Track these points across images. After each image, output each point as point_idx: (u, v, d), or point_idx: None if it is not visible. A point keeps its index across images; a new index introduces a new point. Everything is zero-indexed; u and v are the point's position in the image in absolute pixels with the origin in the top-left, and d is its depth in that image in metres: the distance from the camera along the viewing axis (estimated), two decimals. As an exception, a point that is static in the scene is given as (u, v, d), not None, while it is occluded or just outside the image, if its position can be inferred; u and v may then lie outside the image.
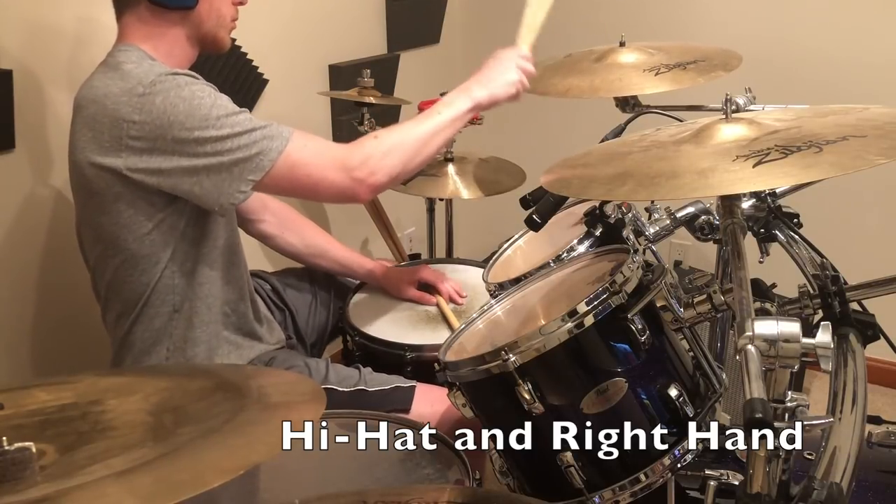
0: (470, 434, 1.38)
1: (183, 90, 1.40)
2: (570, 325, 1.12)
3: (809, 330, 0.86)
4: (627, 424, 1.16)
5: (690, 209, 1.59)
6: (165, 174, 1.42)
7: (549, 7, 1.70)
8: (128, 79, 1.42)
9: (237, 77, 2.28)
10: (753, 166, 0.98)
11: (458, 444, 1.29)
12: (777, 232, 1.45)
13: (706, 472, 1.25)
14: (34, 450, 0.77)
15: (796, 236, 1.42)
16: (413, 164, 1.53)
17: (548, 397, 1.14)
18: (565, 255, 1.53)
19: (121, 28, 1.52)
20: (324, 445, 1.35)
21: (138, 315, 1.56)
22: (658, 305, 1.20)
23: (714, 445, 1.18)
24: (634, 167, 1.12)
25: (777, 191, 1.48)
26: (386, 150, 1.50)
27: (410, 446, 1.33)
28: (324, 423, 1.39)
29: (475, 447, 1.36)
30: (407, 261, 2.49)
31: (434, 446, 1.32)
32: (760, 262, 1.40)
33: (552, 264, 1.50)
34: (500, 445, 1.25)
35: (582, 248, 1.52)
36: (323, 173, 1.47)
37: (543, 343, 1.12)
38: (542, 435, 1.16)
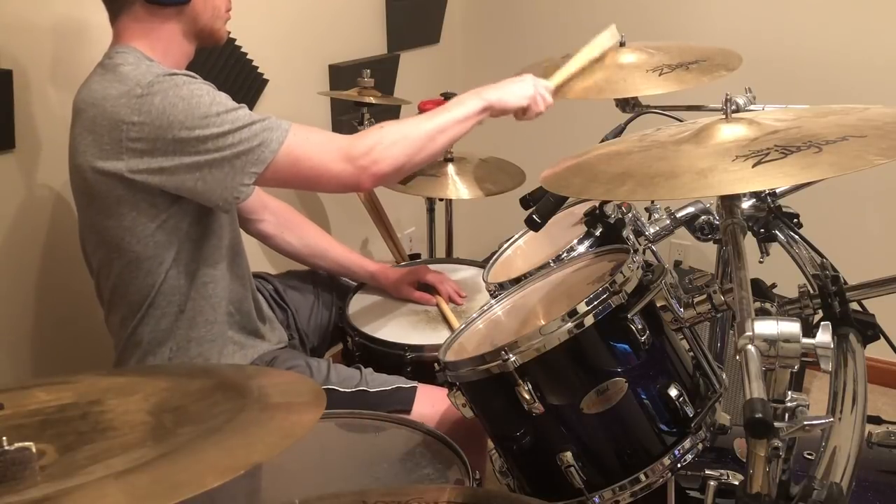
0: (470, 434, 1.39)
1: (181, 89, 1.40)
2: (570, 325, 1.12)
3: (809, 330, 0.86)
4: (627, 424, 1.16)
5: (690, 209, 1.59)
6: (168, 173, 1.42)
7: (591, 59, 1.73)
8: (126, 81, 1.42)
9: (237, 77, 2.28)
10: (753, 166, 0.98)
11: (457, 445, 1.29)
12: (777, 232, 1.45)
13: (706, 472, 1.25)
14: (34, 450, 0.77)
15: (796, 236, 1.42)
16: (418, 157, 1.53)
17: (548, 397, 1.14)
18: (565, 255, 1.53)
19: (116, 30, 1.51)
20: (324, 445, 1.35)
21: (143, 316, 1.56)
22: (658, 305, 1.20)
23: (714, 445, 1.18)
24: (634, 167, 1.12)
25: (777, 191, 1.48)
26: (391, 140, 1.50)
27: (411, 446, 1.33)
28: (324, 423, 1.39)
29: (475, 447, 1.36)
30: (407, 261, 2.49)
31: (434, 446, 1.32)
32: (760, 262, 1.39)
33: (552, 264, 1.50)
34: (500, 445, 1.25)
35: (582, 248, 1.52)
36: (326, 163, 1.47)
37: (543, 343, 1.12)
38: (542, 435, 1.16)
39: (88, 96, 1.45)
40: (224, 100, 1.44)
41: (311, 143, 1.47)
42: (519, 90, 1.59)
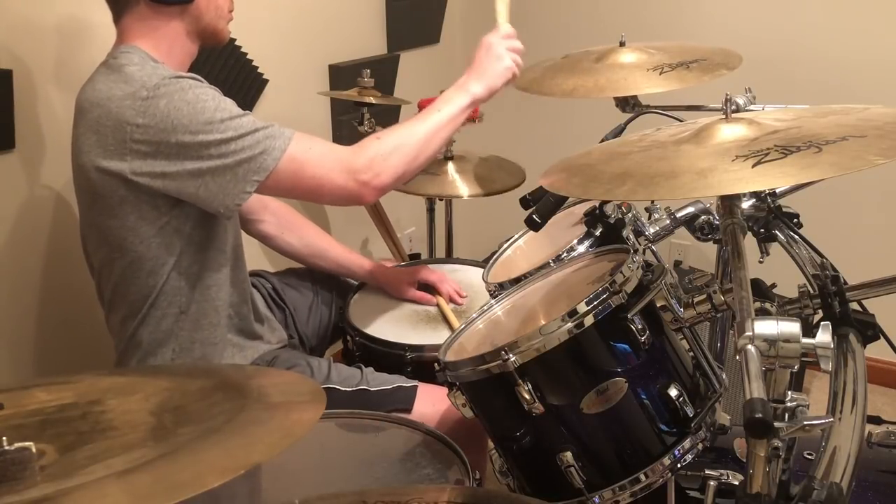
0: (470, 434, 1.39)
1: (187, 93, 1.40)
2: (570, 324, 1.12)
3: (809, 330, 0.86)
4: (627, 424, 1.16)
5: (690, 209, 1.59)
6: (170, 177, 1.42)
7: None
8: (131, 82, 1.42)
9: (237, 77, 2.28)
10: (753, 166, 0.98)
11: (457, 445, 1.29)
12: (777, 232, 1.45)
13: (706, 472, 1.25)
14: (34, 450, 0.77)
15: (796, 236, 1.42)
16: (416, 163, 1.53)
17: (548, 397, 1.14)
18: (565, 255, 1.53)
19: (120, 29, 1.51)
20: (324, 445, 1.35)
21: (145, 317, 1.56)
22: (658, 305, 1.20)
23: (714, 445, 1.18)
24: (634, 167, 1.12)
25: (777, 191, 1.48)
26: (389, 150, 1.50)
27: (411, 446, 1.33)
28: (324, 423, 1.39)
29: (475, 447, 1.36)
30: (407, 261, 2.49)
31: (434, 446, 1.32)
32: (760, 262, 1.39)
33: (552, 264, 1.50)
34: (500, 445, 1.25)
35: (582, 248, 1.53)
36: (327, 175, 1.47)
37: (543, 343, 1.12)
38: (542, 435, 1.17)
39: (93, 96, 1.45)
40: (229, 106, 1.43)
41: (314, 152, 1.47)
42: (499, 66, 1.59)
